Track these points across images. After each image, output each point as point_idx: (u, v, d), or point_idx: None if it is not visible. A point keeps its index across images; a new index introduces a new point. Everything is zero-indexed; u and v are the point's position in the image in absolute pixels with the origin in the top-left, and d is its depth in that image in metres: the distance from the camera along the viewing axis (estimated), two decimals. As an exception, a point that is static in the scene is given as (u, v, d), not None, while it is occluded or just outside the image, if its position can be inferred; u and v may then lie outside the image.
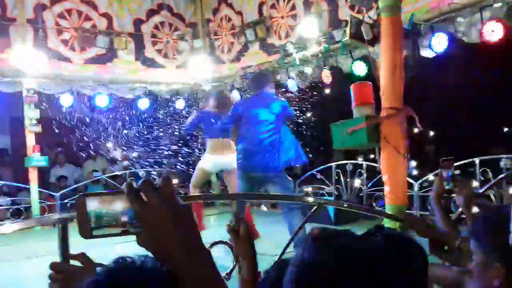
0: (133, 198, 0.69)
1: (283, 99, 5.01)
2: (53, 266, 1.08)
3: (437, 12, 5.11)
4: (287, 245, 2.33)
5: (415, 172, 7.36)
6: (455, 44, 5.05)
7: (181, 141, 8.94)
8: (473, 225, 1.35)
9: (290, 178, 4.88)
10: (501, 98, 8.44)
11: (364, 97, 3.04)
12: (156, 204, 0.68)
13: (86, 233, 0.70)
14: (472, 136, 9.22)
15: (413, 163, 7.63)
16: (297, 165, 5.06)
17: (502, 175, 5.27)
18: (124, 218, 0.70)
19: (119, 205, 0.71)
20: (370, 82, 3.17)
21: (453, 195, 2.10)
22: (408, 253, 1.02)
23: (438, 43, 5.02)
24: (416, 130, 4.61)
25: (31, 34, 6.91)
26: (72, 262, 1.12)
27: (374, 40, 3.45)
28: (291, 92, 7.07)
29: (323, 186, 7.36)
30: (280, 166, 4.54)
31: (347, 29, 3.70)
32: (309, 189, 7.61)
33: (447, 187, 2.07)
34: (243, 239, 1.46)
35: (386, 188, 3.02)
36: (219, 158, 5.52)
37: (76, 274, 1.07)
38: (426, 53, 5.15)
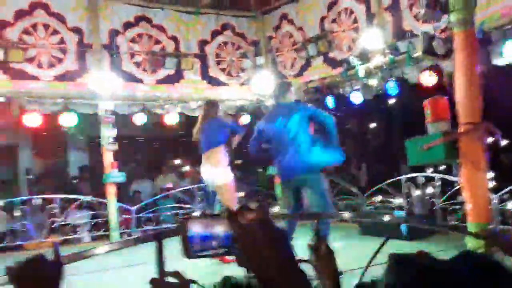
0: (233, 222, 0.75)
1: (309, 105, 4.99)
2: (152, 281, 1.14)
3: (508, 19, 4.93)
4: (368, 264, 2.33)
5: (491, 184, 6.97)
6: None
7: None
8: None
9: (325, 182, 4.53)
10: None
11: (440, 112, 3.01)
12: (254, 228, 0.75)
13: (188, 254, 0.78)
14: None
15: (490, 175, 7.24)
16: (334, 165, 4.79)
17: None
18: (223, 241, 0.78)
19: (218, 228, 0.78)
20: (446, 97, 3.13)
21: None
22: (497, 278, 1.01)
23: (510, 51, 4.83)
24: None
25: (106, 59, 7.38)
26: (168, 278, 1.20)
27: (447, 54, 3.40)
28: (354, 104, 7.04)
29: (391, 200, 7.18)
30: (309, 167, 4.40)
31: (419, 45, 3.66)
32: (378, 199, 7.42)
33: None
34: (325, 257, 1.49)
35: (468, 206, 2.95)
36: None
37: None
38: (498, 61, 4.97)
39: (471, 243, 2.79)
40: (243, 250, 0.75)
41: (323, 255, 1.47)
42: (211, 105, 5.59)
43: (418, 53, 4.15)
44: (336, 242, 5.89)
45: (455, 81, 2.96)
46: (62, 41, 7.12)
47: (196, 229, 0.78)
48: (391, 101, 8.57)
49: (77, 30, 7.21)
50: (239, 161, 9.89)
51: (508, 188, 5.43)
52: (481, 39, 4.81)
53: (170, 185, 9.03)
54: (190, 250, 0.78)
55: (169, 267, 1.24)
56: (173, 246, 0.84)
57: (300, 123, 4.47)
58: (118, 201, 7.45)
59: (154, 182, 9.48)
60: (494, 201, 5.60)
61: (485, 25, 4.84)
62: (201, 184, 8.65)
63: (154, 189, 9.21)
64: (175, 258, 1.31)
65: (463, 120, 2.90)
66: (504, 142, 3.05)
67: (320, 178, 4.44)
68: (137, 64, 7.67)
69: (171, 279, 1.19)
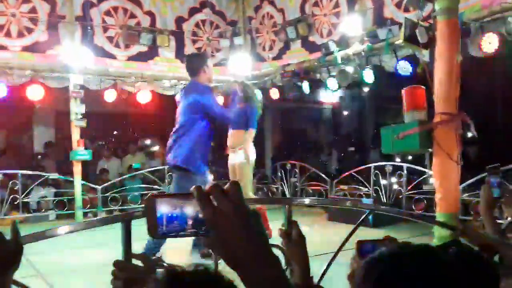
0: (204, 202, 0.70)
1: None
2: (116, 264, 1.11)
3: (488, 12, 4.95)
4: (339, 249, 2.31)
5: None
6: (504, 44, 4.88)
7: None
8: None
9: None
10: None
11: (417, 101, 2.98)
12: (227, 209, 0.69)
13: (156, 233, 0.73)
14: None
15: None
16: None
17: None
18: (193, 221, 0.72)
19: (188, 208, 0.72)
20: (423, 86, 3.10)
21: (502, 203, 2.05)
22: (481, 269, 1.02)
23: (489, 44, 4.86)
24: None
25: (79, 31, 7.10)
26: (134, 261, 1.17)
27: (429, 43, 3.37)
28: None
29: (360, 187, 7.26)
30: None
31: (401, 31, 3.62)
32: (345, 189, 7.53)
33: (495, 195, 2.02)
34: (295, 243, 1.46)
35: (438, 195, 2.95)
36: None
37: (137, 273, 1.11)
38: (475, 53, 4.99)
39: (438, 232, 2.80)
40: (214, 232, 0.70)
41: (294, 240, 1.44)
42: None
43: (399, 41, 4.10)
44: (303, 228, 5.95)
45: (434, 70, 2.92)
46: (33, 10, 6.82)
47: (164, 208, 0.72)
48: (366, 89, 8.60)
49: (49, 0, 6.88)
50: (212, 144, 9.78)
51: (473, 180, 5.54)
52: (460, 29, 4.83)
53: (136, 165, 8.85)
54: (157, 229, 0.72)
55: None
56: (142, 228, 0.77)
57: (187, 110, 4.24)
58: (84, 179, 7.27)
59: (122, 161, 9.27)
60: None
61: (465, 16, 4.86)
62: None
63: (122, 169, 9.02)
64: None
65: (439, 109, 2.88)
66: (470, 134, 3.03)
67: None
68: (110, 39, 7.42)
69: (137, 262, 1.16)
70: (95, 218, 5.19)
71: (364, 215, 2.32)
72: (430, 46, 3.33)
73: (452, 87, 2.85)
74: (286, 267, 1.56)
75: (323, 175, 7.87)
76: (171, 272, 0.80)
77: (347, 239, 2.45)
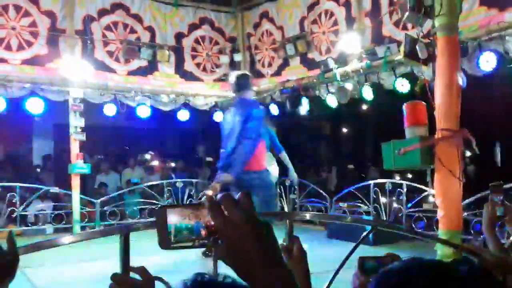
0: (216, 212, 0.69)
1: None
2: (114, 277, 1.09)
3: (485, 31, 5.01)
4: (341, 266, 2.29)
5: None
6: (503, 63, 4.93)
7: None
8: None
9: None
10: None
11: (418, 117, 2.99)
12: (238, 219, 0.68)
13: (165, 244, 0.71)
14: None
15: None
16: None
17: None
18: (204, 231, 0.71)
19: (199, 218, 0.71)
20: (424, 102, 3.11)
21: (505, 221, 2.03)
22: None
23: (486, 62, 4.91)
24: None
25: (79, 45, 7.13)
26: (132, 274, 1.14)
27: (429, 59, 3.40)
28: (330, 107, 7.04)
29: (360, 205, 7.23)
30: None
31: (401, 47, 3.66)
32: (344, 206, 7.49)
33: (498, 214, 2.00)
34: (297, 258, 1.43)
35: (440, 212, 2.93)
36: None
37: (135, 286, 1.09)
38: (473, 72, 5.04)
39: (441, 251, 2.78)
40: (224, 242, 0.69)
41: (295, 256, 1.42)
42: None
43: (399, 57, 4.13)
44: (303, 244, 5.90)
45: (435, 86, 2.94)
46: (33, 24, 6.86)
47: (175, 218, 0.71)
48: (366, 106, 8.64)
49: (50, 14, 6.95)
50: (210, 159, 9.77)
51: (472, 198, 5.53)
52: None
53: (135, 180, 8.83)
54: (167, 240, 0.71)
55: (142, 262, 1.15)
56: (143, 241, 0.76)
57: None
58: (83, 193, 7.23)
59: (121, 175, 9.24)
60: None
61: (463, 35, 4.91)
62: (170, 180, 8.58)
63: (121, 183, 8.98)
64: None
65: (440, 126, 2.89)
66: (477, 151, 3.03)
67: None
68: (110, 53, 7.46)
69: (135, 276, 1.13)
70: (94, 230, 5.14)
71: (367, 232, 2.30)
72: (430, 62, 3.36)
73: (453, 103, 2.87)
74: None
75: (322, 192, 7.85)
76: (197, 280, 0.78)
77: (348, 256, 2.43)
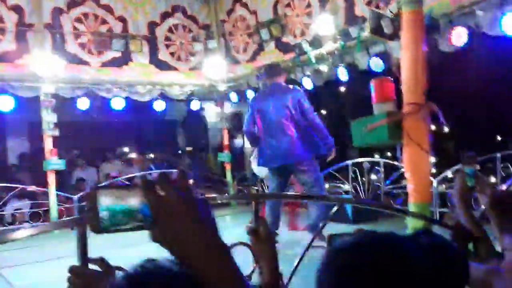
0: (149, 192, 0.66)
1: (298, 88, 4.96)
2: (72, 270, 1.07)
3: (456, 6, 5.00)
4: (309, 246, 2.27)
5: (434, 170, 7.22)
6: (475, 38, 4.94)
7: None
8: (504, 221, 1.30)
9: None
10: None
11: (385, 93, 2.98)
12: (173, 198, 0.65)
13: (98, 228, 0.67)
14: (492, 131, 9.03)
15: (432, 160, 7.49)
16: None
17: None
18: (139, 213, 0.67)
19: (133, 200, 0.67)
20: (391, 78, 3.10)
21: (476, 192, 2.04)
22: (451, 257, 1.02)
23: (458, 37, 4.91)
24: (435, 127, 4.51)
25: (49, 39, 6.97)
26: (91, 266, 1.12)
27: (395, 34, 3.37)
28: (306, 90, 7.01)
29: (339, 185, 7.27)
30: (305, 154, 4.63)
31: (367, 24, 3.62)
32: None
33: (469, 185, 2.00)
34: (263, 240, 1.41)
35: (410, 186, 2.94)
36: None
37: (94, 278, 1.06)
38: (445, 47, 5.04)
39: (412, 224, 2.79)
40: (159, 224, 0.65)
41: (262, 237, 1.39)
42: None
43: (366, 33, 4.11)
44: (285, 228, 5.92)
45: (401, 61, 2.92)
46: (0, 20, 6.68)
47: (108, 200, 0.67)
48: (342, 87, 8.64)
49: (17, 9, 6.77)
50: (189, 148, 9.71)
51: (449, 171, 5.59)
52: (429, 25, 4.87)
53: (114, 173, 8.72)
54: (99, 223, 0.67)
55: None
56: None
57: (291, 108, 4.62)
58: (61, 189, 7.13)
59: (99, 170, 9.13)
60: (435, 184, 5.78)
61: (434, 12, 4.90)
62: (150, 172, 8.51)
63: (99, 177, 8.87)
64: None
65: (408, 100, 2.88)
66: (446, 129, 3.04)
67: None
68: (82, 46, 7.31)
69: (94, 267, 1.11)
70: (47, 223, 5.04)
71: (334, 210, 2.28)
72: (396, 37, 3.34)
73: (419, 77, 2.85)
74: (254, 264, 1.52)
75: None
76: (128, 275, 0.75)
77: (316, 235, 2.43)
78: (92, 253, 1.35)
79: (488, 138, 8.73)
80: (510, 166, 5.89)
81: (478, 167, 1.94)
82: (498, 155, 5.63)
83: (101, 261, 1.12)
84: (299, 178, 4.77)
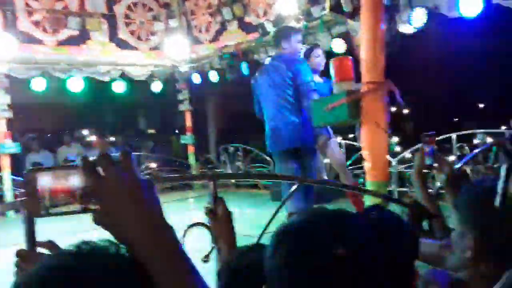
0: (89, 172, 0.63)
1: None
2: (19, 253, 1.02)
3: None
4: (268, 224, 2.27)
5: (398, 149, 7.40)
6: (434, 19, 5.01)
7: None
8: (456, 198, 1.32)
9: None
10: (479, 74, 8.52)
11: (344, 72, 2.98)
12: (114, 178, 0.62)
13: (38, 212, 0.64)
14: (449, 112, 9.31)
15: (395, 140, 7.68)
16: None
17: (477, 150, 5.32)
18: (81, 195, 0.64)
19: (75, 181, 0.64)
20: (350, 57, 3.11)
21: (434, 170, 2.08)
22: (399, 232, 1.04)
23: (417, 18, 4.97)
24: (395, 106, 4.58)
25: (0, 17, 6.62)
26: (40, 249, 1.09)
27: (354, 13, 3.37)
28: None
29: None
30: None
31: (327, 2, 3.60)
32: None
33: (428, 163, 2.04)
34: (221, 220, 1.41)
35: (367, 164, 2.98)
36: None
37: None
38: (404, 28, 5.10)
39: (369, 202, 2.84)
40: (101, 205, 0.63)
41: (220, 218, 1.40)
42: None
43: (327, 12, 4.10)
44: (247, 208, 5.95)
45: (360, 40, 2.93)
46: None
47: (47, 181, 0.64)
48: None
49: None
50: (152, 130, 9.55)
51: (406, 151, 5.73)
52: (389, 5, 4.90)
53: (72, 157, 8.49)
54: (40, 207, 0.63)
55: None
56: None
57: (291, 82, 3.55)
58: (16, 174, 6.88)
59: (57, 153, 8.86)
60: (394, 164, 5.92)
61: (393, -8, 4.92)
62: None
63: (56, 161, 8.61)
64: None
65: (366, 79, 2.90)
66: (405, 110, 3.08)
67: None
68: (36, 24, 6.98)
69: (43, 250, 1.07)
70: None
71: (291, 191, 2.27)
72: (355, 16, 3.34)
73: (377, 55, 2.87)
74: (213, 245, 1.51)
75: (266, 157, 7.87)
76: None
77: (275, 214, 2.43)
78: (44, 237, 1.30)
79: (445, 119, 8.99)
80: (465, 146, 6.08)
81: (436, 146, 1.98)
82: (454, 135, 5.82)
83: (50, 244, 1.08)
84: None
